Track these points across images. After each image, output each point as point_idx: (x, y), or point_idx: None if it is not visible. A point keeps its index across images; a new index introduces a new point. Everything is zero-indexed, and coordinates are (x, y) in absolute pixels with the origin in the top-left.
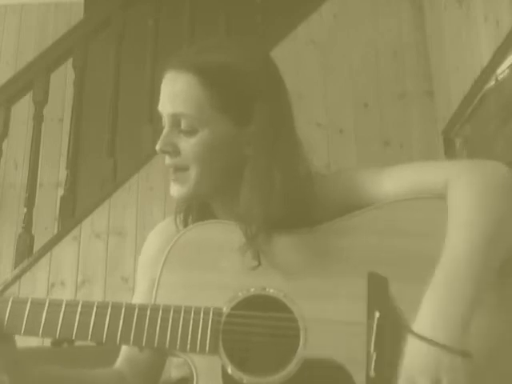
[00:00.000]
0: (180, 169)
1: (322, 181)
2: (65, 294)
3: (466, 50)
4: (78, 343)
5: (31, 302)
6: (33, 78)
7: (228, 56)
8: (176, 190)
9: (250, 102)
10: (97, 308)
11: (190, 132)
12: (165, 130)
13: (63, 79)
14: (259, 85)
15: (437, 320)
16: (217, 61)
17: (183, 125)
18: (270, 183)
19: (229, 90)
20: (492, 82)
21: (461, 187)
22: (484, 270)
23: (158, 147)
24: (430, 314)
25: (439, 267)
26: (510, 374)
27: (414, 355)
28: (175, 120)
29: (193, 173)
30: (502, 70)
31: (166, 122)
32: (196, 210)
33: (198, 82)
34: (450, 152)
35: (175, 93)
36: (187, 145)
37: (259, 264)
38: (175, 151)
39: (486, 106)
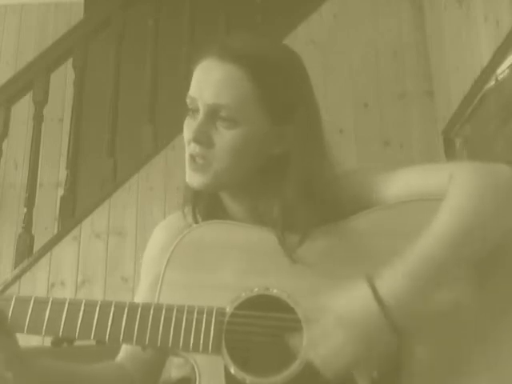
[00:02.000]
0: (207, 160)
1: (339, 181)
2: (65, 294)
3: (466, 50)
4: (77, 343)
5: (34, 301)
6: (33, 78)
7: (275, 53)
8: (195, 180)
9: (292, 102)
10: (100, 307)
11: (230, 124)
12: (200, 120)
13: (63, 79)
14: (302, 86)
15: (392, 287)
16: (265, 56)
17: (224, 115)
18: (314, 187)
19: (275, 86)
20: (492, 82)
21: (460, 182)
22: (455, 257)
23: (191, 136)
24: (389, 281)
25: (416, 242)
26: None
27: (352, 294)
28: (213, 110)
29: (219, 165)
30: (502, 70)
31: (200, 111)
32: (205, 202)
33: (244, 75)
34: (449, 152)
35: (217, 82)
36: (222, 138)
37: (295, 262)
38: (209, 143)
39: (486, 106)
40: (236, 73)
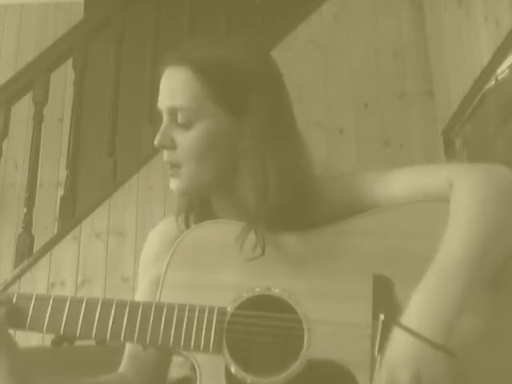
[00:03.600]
0: (176, 164)
1: (326, 181)
2: (65, 294)
3: (466, 50)
4: (77, 343)
5: (36, 298)
6: (33, 78)
7: (223, 50)
8: (174, 185)
9: (244, 93)
10: (101, 305)
11: (187, 125)
12: (163, 125)
13: (63, 79)
14: (253, 77)
15: (423, 316)
16: (211, 54)
17: (180, 118)
18: (263, 172)
19: (223, 81)
20: (492, 82)
21: (464, 188)
22: (477, 271)
23: (156, 142)
24: (418, 309)
25: (433, 264)
26: (495, 376)
27: (399, 346)
28: (173, 114)
29: (188, 167)
30: (502, 70)
31: (164, 118)
32: (197, 209)
33: (193, 75)
34: (449, 152)
35: (172, 87)
36: (184, 138)
37: (263, 253)
38: (172, 145)
39: (486, 106)
40: (186, 75)
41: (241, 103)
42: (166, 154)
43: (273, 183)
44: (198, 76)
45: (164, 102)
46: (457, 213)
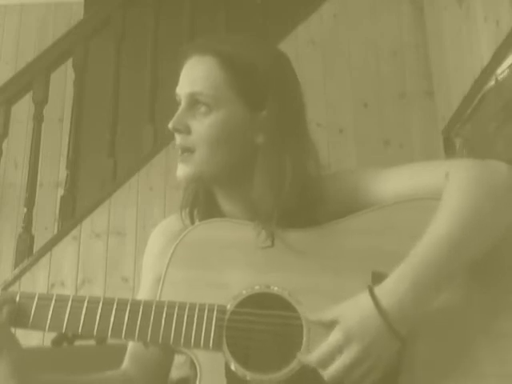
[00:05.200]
0: (188, 150)
1: (328, 180)
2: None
3: (465, 50)
4: (77, 343)
5: (38, 297)
6: (33, 78)
7: (247, 45)
8: (182, 171)
9: (264, 89)
10: (103, 303)
11: (205, 112)
12: (179, 109)
13: (63, 79)
14: (274, 76)
15: (394, 295)
16: (236, 48)
17: (199, 103)
18: (281, 170)
19: (246, 74)
20: (492, 82)
21: (458, 181)
22: (456, 259)
23: (170, 125)
24: (391, 288)
25: (417, 247)
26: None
27: (360, 312)
28: (192, 100)
29: (200, 154)
30: (502, 70)
31: (181, 102)
32: (202, 203)
33: (217, 64)
34: (449, 152)
35: (195, 74)
36: (200, 124)
37: (273, 245)
38: (186, 130)
39: (485, 106)
40: (210, 63)
41: (260, 98)
42: (178, 138)
43: (288, 181)
44: (223, 65)
45: (184, 87)
46: (446, 204)
